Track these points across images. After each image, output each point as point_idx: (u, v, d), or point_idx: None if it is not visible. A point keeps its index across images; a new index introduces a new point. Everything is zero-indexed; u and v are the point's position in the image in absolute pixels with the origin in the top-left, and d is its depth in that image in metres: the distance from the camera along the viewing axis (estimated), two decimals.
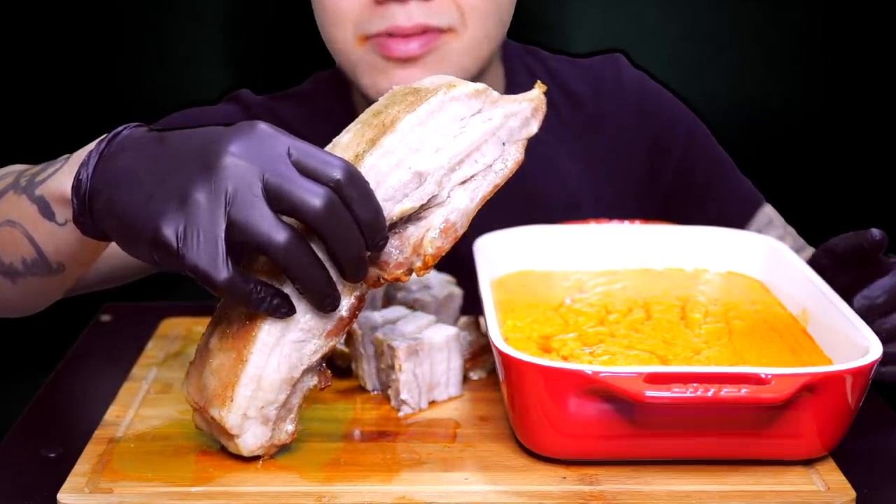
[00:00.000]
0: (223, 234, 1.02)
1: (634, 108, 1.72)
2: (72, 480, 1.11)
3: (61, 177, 1.16)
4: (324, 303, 1.08)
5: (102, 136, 1.12)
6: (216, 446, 1.17)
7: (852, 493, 1.10)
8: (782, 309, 1.31)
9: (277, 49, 2.53)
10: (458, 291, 1.38)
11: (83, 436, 1.19)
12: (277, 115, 1.71)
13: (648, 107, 1.72)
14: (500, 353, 1.11)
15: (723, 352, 1.21)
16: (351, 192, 1.04)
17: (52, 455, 1.19)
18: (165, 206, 1.03)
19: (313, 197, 1.02)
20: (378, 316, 1.30)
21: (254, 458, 1.14)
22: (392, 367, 1.24)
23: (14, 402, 1.43)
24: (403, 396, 1.24)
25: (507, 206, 1.60)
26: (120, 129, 1.12)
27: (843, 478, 1.12)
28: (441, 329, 1.27)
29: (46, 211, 1.18)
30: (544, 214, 1.52)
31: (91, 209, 1.10)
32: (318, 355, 1.12)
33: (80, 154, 1.16)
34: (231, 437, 1.11)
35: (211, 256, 1.02)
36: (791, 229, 1.67)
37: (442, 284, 1.39)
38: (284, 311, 1.07)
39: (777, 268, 1.37)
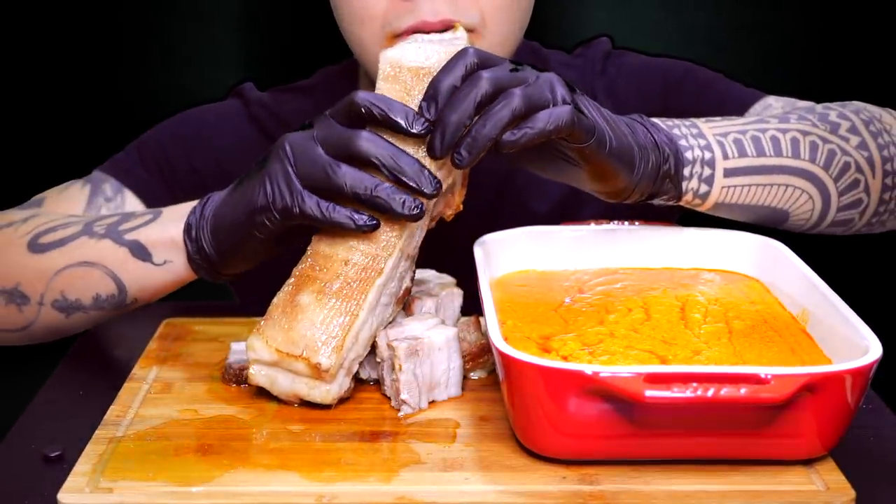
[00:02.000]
0: (297, 180, 1.22)
1: (630, 92, 1.72)
2: (72, 480, 1.11)
3: (163, 225, 1.36)
4: (422, 181, 1.21)
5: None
6: (216, 445, 1.17)
7: (852, 493, 1.09)
8: (782, 309, 1.31)
9: (281, 49, 2.53)
10: (457, 291, 1.37)
11: (83, 435, 1.19)
12: (279, 111, 1.71)
13: (643, 87, 1.73)
14: (500, 353, 1.11)
15: (722, 352, 1.21)
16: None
17: (53, 454, 1.19)
18: (253, 189, 1.25)
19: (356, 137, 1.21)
20: None
21: (258, 456, 1.15)
22: (392, 367, 1.24)
23: (14, 401, 1.42)
24: (403, 396, 1.23)
25: (503, 219, 1.59)
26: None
27: (843, 477, 1.11)
28: (441, 329, 1.27)
29: (141, 253, 1.36)
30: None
31: (199, 242, 1.32)
32: (390, 319, 1.27)
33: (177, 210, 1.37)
34: (322, 382, 1.22)
35: (293, 194, 1.22)
36: (796, 102, 1.61)
37: (442, 284, 1.38)
38: (371, 222, 1.22)
39: (776, 267, 1.36)
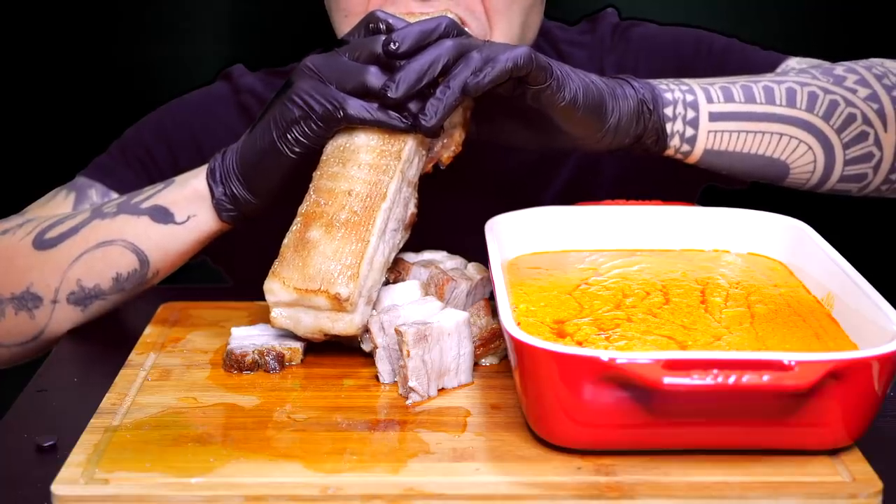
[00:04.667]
0: (333, 88, 1.27)
1: (640, 70, 1.69)
2: (66, 471, 1.10)
3: (181, 184, 1.39)
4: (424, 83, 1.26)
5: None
6: (216, 434, 1.15)
7: (879, 485, 1.07)
8: (806, 292, 1.30)
9: (278, 22, 2.52)
10: None
11: (78, 424, 1.18)
12: (264, 93, 1.69)
13: (654, 64, 1.69)
14: (513, 339, 1.10)
15: (744, 337, 1.19)
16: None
17: (46, 444, 1.17)
18: (282, 111, 1.29)
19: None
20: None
21: (260, 445, 1.13)
22: (400, 353, 1.22)
23: (7, 388, 1.41)
24: (412, 384, 1.21)
25: (521, 197, 1.56)
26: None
27: (870, 468, 1.09)
28: (451, 313, 1.25)
29: (162, 216, 1.39)
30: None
31: (225, 181, 1.37)
32: (401, 244, 1.32)
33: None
34: (345, 312, 1.24)
35: (333, 100, 1.27)
36: (822, 64, 1.57)
37: (478, 269, 1.38)
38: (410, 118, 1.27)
39: (801, 249, 1.35)
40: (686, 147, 1.38)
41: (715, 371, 1.04)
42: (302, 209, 1.28)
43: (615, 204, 1.44)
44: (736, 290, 1.30)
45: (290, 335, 1.30)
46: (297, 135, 1.29)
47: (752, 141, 1.38)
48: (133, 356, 1.33)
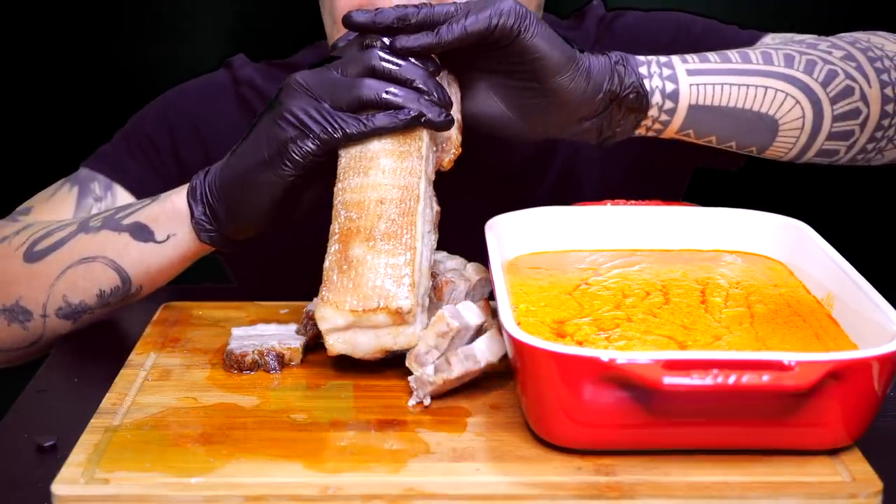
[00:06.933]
0: (327, 105, 1.24)
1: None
2: (66, 471, 1.09)
3: (163, 201, 1.36)
4: (430, 88, 1.25)
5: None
6: (216, 434, 1.15)
7: (879, 485, 1.07)
8: (806, 292, 1.29)
9: (279, 22, 2.51)
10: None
11: (78, 424, 1.17)
12: (270, 90, 1.68)
13: (635, 48, 1.68)
14: (512, 339, 1.09)
15: (744, 337, 1.19)
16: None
17: (47, 444, 1.17)
18: (273, 130, 1.25)
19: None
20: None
21: (260, 445, 1.13)
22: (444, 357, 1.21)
23: (7, 388, 1.41)
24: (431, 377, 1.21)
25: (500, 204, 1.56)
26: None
27: (870, 468, 1.09)
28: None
29: (142, 233, 1.36)
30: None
31: (205, 200, 1.33)
32: (435, 244, 1.29)
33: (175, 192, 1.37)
34: (406, 325, 1.20)
35: (329, 118, 1.24)
36: (794, 37, 1.57)
37: (477, 269, 1.37)
38: (415, 113, 1.24)
39: (800, 249, 1.34)
40: (669, 104, 1.32)
41: (715, 371, 1.03)
42: (335, 228, 1.23)
43: (615, 204, 1.43)
44: (736, 290, 1.29)
45: (290, 335, 1.30)
46: (292, 155, 1.24)
47: (738, 94, 1.34)
48: (133, 356, 1.32)
